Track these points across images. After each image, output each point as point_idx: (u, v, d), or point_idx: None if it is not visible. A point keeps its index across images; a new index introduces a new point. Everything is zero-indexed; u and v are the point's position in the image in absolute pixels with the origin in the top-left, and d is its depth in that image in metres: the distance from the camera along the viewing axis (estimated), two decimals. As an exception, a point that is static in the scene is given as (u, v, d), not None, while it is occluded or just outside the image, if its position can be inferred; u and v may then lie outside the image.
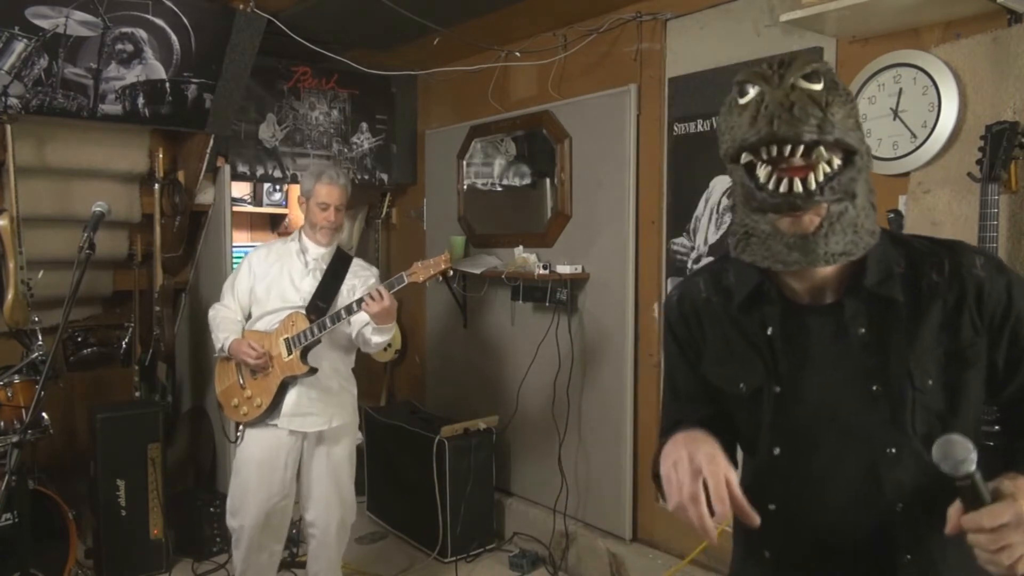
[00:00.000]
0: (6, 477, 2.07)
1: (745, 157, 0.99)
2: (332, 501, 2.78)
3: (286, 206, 5.32)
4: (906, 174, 2.34)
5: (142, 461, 3.28)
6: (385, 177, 4.39)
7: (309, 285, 2.72)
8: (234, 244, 3.73)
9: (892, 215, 2.32)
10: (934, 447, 0.90)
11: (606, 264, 3.28)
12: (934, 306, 1.06)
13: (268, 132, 3.95)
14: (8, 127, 3.01)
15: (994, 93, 2.14)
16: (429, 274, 2.51)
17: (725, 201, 2.87)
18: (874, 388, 1.06)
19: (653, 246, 3.14)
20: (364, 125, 4.27)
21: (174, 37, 3.15)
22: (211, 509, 3.48)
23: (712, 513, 0.95)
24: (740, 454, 1.22)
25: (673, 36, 3.03)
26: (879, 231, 1.08)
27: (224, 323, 2.75)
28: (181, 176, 3.79)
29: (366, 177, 4.30)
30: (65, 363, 3.86)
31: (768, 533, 1.08)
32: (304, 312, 2.65)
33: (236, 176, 3.85)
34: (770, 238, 1.02)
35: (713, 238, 2.91)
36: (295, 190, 4.10)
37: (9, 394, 2.97)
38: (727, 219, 2.86)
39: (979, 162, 1.99)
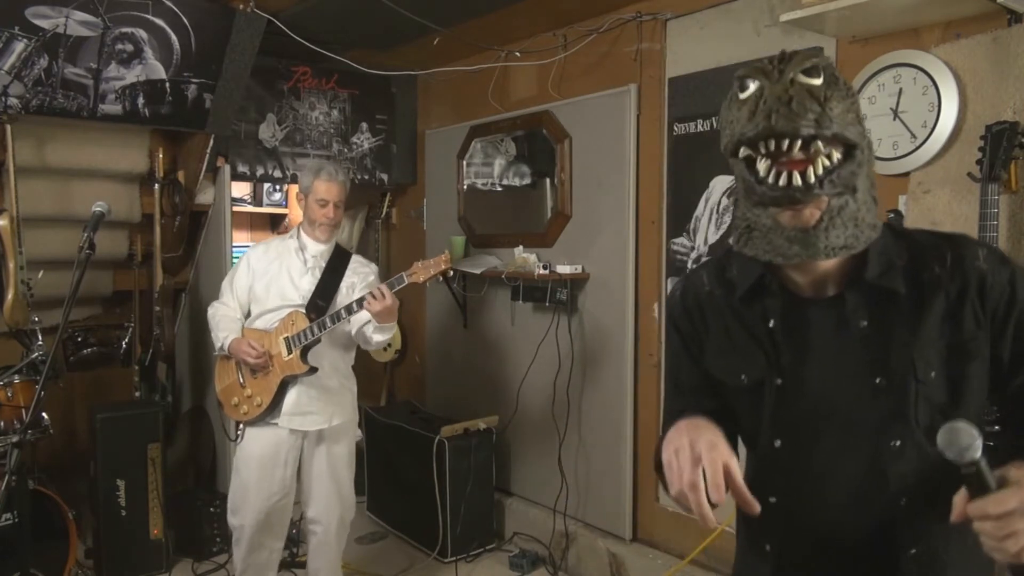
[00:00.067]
0: (6, 477, 2.06)
1: (744, 151, 1.00)
2: (332, 499, 2.79)
3: (286, 206, 5.32)
4: (906, 174, 2.34)
5: (142, 461, 3.28)
6: (385, 177, 4.39)
7: (308, 283, 2.72)
8: (234, 244, 3.73)
9: (892, 215, 2.32)
10: (939, 434, 0.89)
11: (606, 264, 3.28)
12: (936, 298, 1.06)
13: (268, 132, 3.95)
14: (8, 127, 3.01)
15: (994, 93, 2.14)
16: (429, 274, 2.51)
17: (725, 201, 2.87)
18: (877, 381, 1.07)
19: (653, 246, 3.14)
20: (364, 125, 4.27)
21: (174, 37, 3.15)
22: (211, 509, 3.48)
23: (711, 502, 0.95)
24: (742, 448, 1.22)
25: (673, 36, 3.03)
26: (880, 225, 1.08)
27: (223, 321, 2.75)
28: (181, 176, 3.79)
29: (366, 177, 4.30)
30: (65, 363, 3.85)
31: (768, 526, 1.08)
32: (304, 311, 2.65)
33: (236, 176, 3.85)
34: (771, 232, 1.03)
35: (713, 238, 2.91)
36: (295, 190, 4.10)
37: (9, 394, 2.97)
38: (727, 219, 2.86)
39: (979, 162, 1.99)
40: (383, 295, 2.45)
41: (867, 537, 1.10)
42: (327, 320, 2.58)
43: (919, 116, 2.29)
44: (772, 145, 0.97)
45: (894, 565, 1.09)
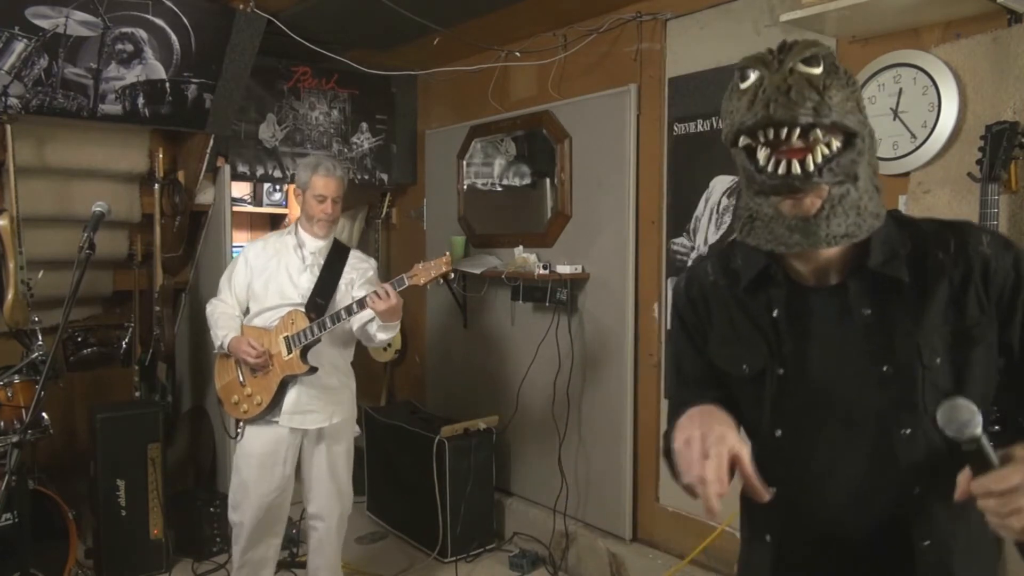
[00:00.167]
0: (6, 477, 2.06)
1: (743, 140, 1.01)
2: (333, 496, 2.80)
3: (286, 206, 5.32)
4: (906, 174, 2.34)
5: (142, 461, 3.28)
6: (385, 177, 4.38)
7: (307, 281, 2.71)
8: (234, 244, 3.73)
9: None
10: (938, 411, 0.89)
11: (606, 264, 3.28)
12: (940, 284, 1.06)
13: (268, 132, 3.95)
14: (8, 127, 3.01)
15: (994, 93, 2.14)
16: (430, 276, 2.50)
17: (725, 201, 2.87)
18: (884, 369, 1.06)
19: (653, 246, 3.14)
20: (364, 125, 4.27)
21: (174, 37, 3.15)
22: (211, 509, 3.48)
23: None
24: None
25: (673, 36, 3.03)
26: (884, 213, 1.08)
27: (222, 319, 2.74)
28: (181, 176, 3.79)
29: (366, 177, 4.30)
30: (65, 363, 3.85)
31: (769, 516, 1.08)
32: (303, 310, 2.65)
33: (236, 176, 3.85)
34: (773, 221, 1.03)
35: (713, 238, 2.91)
36: (294, 189, 4.10)
37: (9, 394, 2.97)
38: (727, 219, 2.86)
39: (979, 162, 1.99)
40: (387, 294, 2.44)
41: (873, 528, 1.09)
42: (327, 321, 2.58)
43: (919, 116, 2.29)
44: (771, 134, 0.97)
45: (905, 557, 1.08)
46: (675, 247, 3.05)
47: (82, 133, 3.42)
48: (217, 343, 2.73)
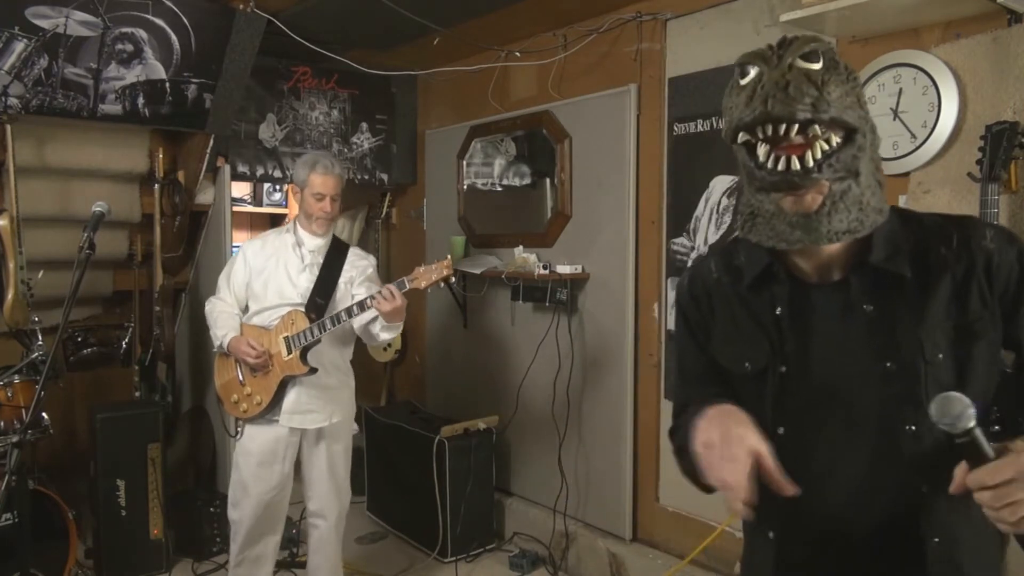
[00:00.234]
0: (6, 477, 2.06)
1: (742, 136, 1.01)
2: (332, 494, 2.80)
3: (286, 206, 5.33)
4: (906, 174, 2.34)
5: (142, 461, 3.28)
6: (385, 177, 4.38)
7: (307, 280, 2.71)
8: (234, 244, 3.73)
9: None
10: (931, 405, 0.89)
11: (606, 264, 3.28)
12: (943, 280, 1.06)
13: (268, 132, 3.95)
14: (8, 127, 3.00)
15: (994, 93, 2.14)
16: (430, 280, 2.50)
17: (725, 201, 2.87)
18: (888, 365, 1.06)
19: (653, 246, 3.14)
20: (364, 125, 4.27)
21: (174, 37, 3.15)
22: (211, 509, 3.48)
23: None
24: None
25: (673, 36, 3.03)
26: (888, 209, 1.07)
27: (222, 318, 2.74)
28: (181, 176, 3.79)
29: (366, 177, 4.30)
30: (65, 363, 3.85)
31: (771, 513, 1.08)
32: (303, 310, 2.65)
33: (236, 176, 3.85)
34: (774, 217, 1.03)
35: (713, 238, 2.91)
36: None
37: (9, 394, 2.97)
38: (727, 219, 2.86)
39: (979, 162, 1.99)
40: (392, 295, 2.44)
41: (875, 525, 1.09)
42: (327, 322, 2.58)
43: (919, 116, 2.29)
44: (770, 130, 0.97)
45: (909, 554, 1.07)
46: (675, 247, 3.05)
47: (82, 133, 3.42)
48: (217, 342, 2.73)
